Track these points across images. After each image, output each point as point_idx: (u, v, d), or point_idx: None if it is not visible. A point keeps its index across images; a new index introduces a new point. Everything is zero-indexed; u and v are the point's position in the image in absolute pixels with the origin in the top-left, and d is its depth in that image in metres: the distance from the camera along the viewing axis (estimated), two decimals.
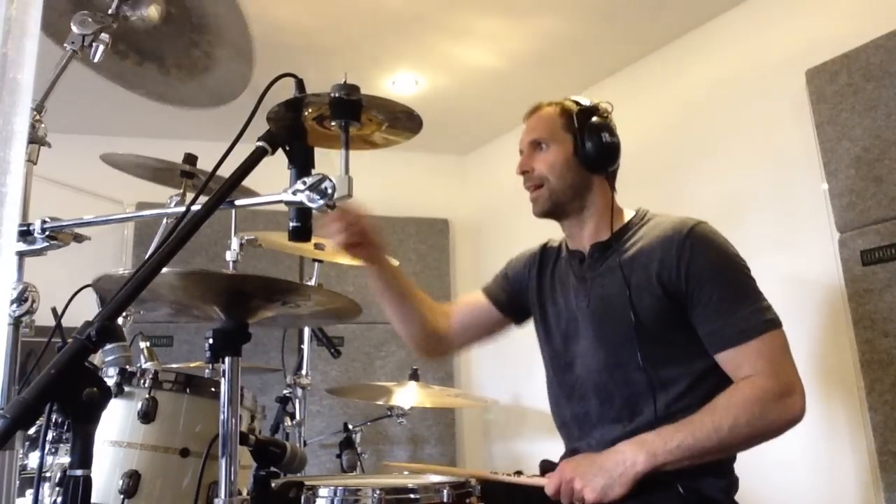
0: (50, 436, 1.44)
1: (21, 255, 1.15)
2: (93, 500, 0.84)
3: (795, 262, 2.36)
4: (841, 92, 2.21)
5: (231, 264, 1.99)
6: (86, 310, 1.16)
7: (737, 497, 1.38)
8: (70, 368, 0.78)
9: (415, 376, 2.56)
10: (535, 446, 3.31)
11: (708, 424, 1.27)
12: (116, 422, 1.41)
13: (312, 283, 2.38)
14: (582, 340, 1.50)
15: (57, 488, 1.38)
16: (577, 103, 1.54)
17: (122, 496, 1.33)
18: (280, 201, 1.01)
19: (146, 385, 1.43)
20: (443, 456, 3.59)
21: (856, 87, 2.17)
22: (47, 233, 1.13)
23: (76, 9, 1.32)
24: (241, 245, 2.01)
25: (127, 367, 1.50)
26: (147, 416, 1.40)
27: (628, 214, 1.56)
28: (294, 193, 0.98)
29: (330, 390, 2.76)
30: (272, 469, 1.28)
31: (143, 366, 1.74)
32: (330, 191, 0.97)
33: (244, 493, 1.22)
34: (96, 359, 1.58)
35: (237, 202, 1.04)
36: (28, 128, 0.95)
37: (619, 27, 2.87)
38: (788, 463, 2.26)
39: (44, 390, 0.76)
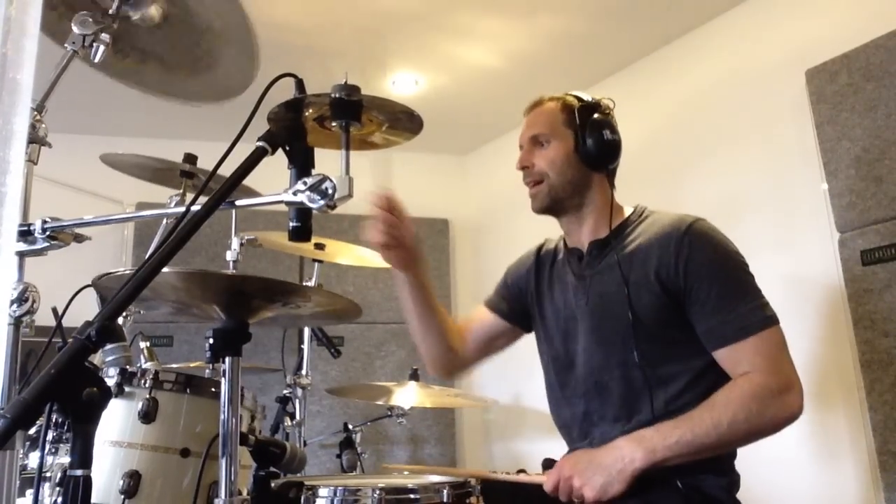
0: (50, 436, 1.44)
1: (21, 255, 1.15)
2: (93, 501, 0.84)
3: (795, 262, 2.36)
4: (841, 92, 2.21)
5: (231, 264, 1.99)
6: (86, 310, 1.15)
7: (737, 496, 1.38)
8: (70, 368, 0.78)
9: (415, 376, 2.56)
10: (535, 446, 3.31)
11: (707, 420, 1.27)
12: (117, 422, 1.41)
13: (312, 283, 2.38)
14: (581, 339, 1.49)
15: (57, 488, 1.38)
16: (579, 99, 1.54)
17: (122, 496, 1.33)
18: (281, 202, 1.01)
19: (147, 385, 1.43)
20: (443, 456, 3.59)
21: (856, 87, 2.17)
22: (48, 233, 1.13)
23: (77, 9, 1.32)
24: (242, 245, 2.01)
25: (127, 367, 1.50)
26: (147, 416, 1.40)
27: (627, 212, 1.55)
28: (295, 194, 0.98)
29: (330, 390, 2.76)
30: (272, 469, 1.28)
31: (144, 366, 1.74)
32: (330, 191, 0.97)
33: (244, 493, 1.22)
34: (97, 359, 1.58)
35: (237, 202, 1.04)
36: (28, 128, 0.95)
37: (620, 27, 2.87)
38: (788, 462, 2.26)
39: (44, 390, 0.76)
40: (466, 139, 3.95)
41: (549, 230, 1.66)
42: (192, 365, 2.52)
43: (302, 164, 1.03)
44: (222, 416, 1.18)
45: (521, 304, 1.68)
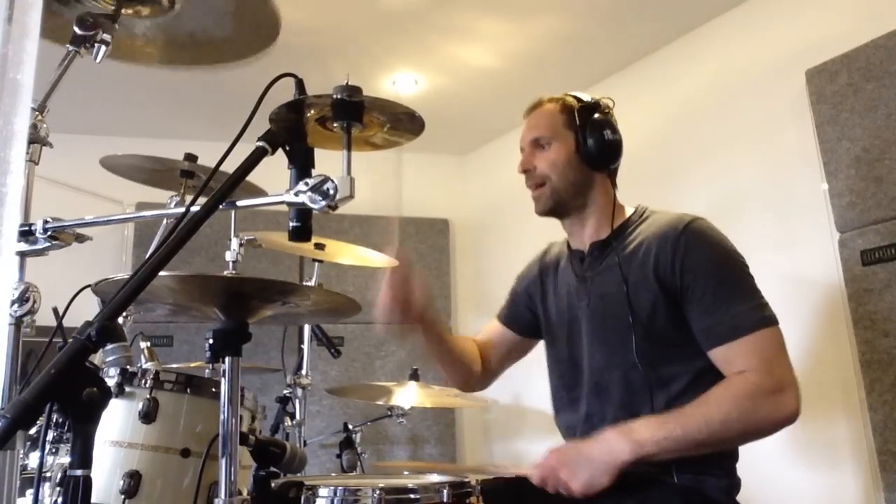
0: (50, 436, 1.44)
1: (22, 255, 1.15)
2: (93, 501, 0.84)
3: (795, 262, 2.37)
4: (841, 92, 2.21)
5: (231, 264, 1.98)
6: (87, 310, 1.15)
7: (737, 497, 1.38)
8: (70, 368, 0.78)
9: (415, 376, 2.56)
10: (535, 446, 3.31)
11: (698, 417, 1.25)
12: (117, 422, 1.41)
13: (312, 283, 2.38)
14: (583, 340, 1.49)
15: (57, 488, 1.38)
16: (579, 99, 1.53)
17: (122, 496, 1.33)
18: (282, 202, 1.01)
19: (147, 385, 1.43)
20: (443, 456, 3.59)
21: (856, 87, 2.17)
22: (49, 233, 1.13)
23: (77, 9, 1.32)
24: (241, 245, 2.01)
25: (128, 367, 1.50)
26: (148, 416, 1.40)
27: (628, 212, 1.55)
28: (296, 194, 0.98)
29: (330, 390, 2.76)
30: (272, 469, 1.28)
31: (144, 366, 1.74)
32: (332, 192, 0.97)
33: (244, 493, 1.22)
34: (97, 359, 1.58)
35: (238, 203, 1.04)
36: (29, 128, 0.95)
37: (619, 27, 2.87)
38: (788, 462, 2.26)
39: (44, 390, 0.76)
40: (466, 139, 3.95)
41: (549, 230, 1.66)
42: (192, 365, 2.51)
43: (302, 165, 1.03)
44: (222, 416, 1.17)
45: (531, 311, 1.69)
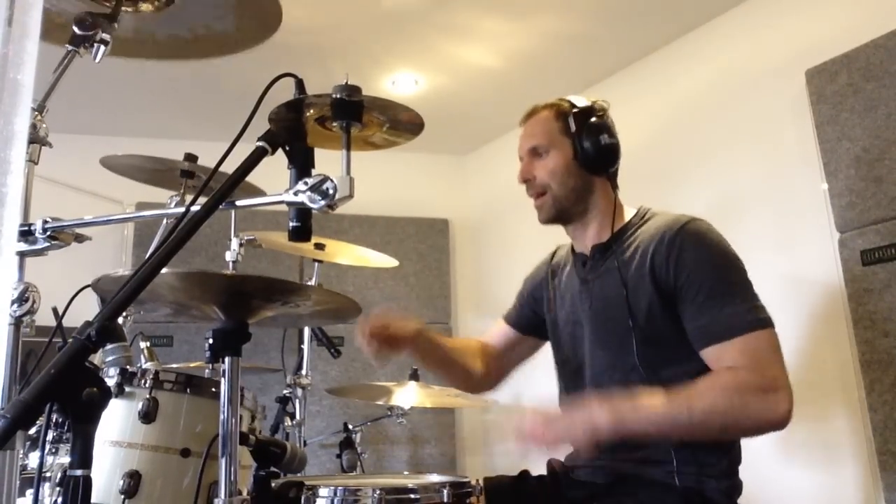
0: (50, 436, 1.44)
1: (22, 255, 1.16)
2: (93, 501, 0.84)
3: (795, 262, 2.37)
4: (841, 92, 2.21)
5: (231, 264, 1.99)
6: (86, 310, 1.16)
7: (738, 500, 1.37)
8: (70, 368, 0.78)
9: (415, 376, 2.56)
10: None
11: (683, 402, 1.24)
12: (117, 422, 1.41)
13: (312, 283, 2.38)
14: (586, 343, 1.49)
15: (57, 488, 1.38)
16: (574, 104, 1.52)
17: (122, 496, 1.33)
18: (281, 202, 1.01)
19: (147, 385, 1.43)
20: (443, 456, 3.59)
21: (856, 87, 2.17)
22: (48, 233, 1.13)
23: (77, 9, 1.32)
24: (241, 245, 2.01)
25: (127, 367, 1.50)
26: (148, 416, 1.40)
27: (630, 213, 1.55)
28: (296, 194, 0.98)
29: (330, 390, 2.76)
30: (272, 469, 1.28)
31: (144, 366, 1.74)
32: (331, 191, 0.97)
33: (244, 493, 1.22)
34: (97, 359, 1.58)
35: (238, 202, 1.04)
36: (29, 128, 0.95)
37: (619, 27, 2.87)
38: (788, 462, 2.26)
39: (44, 390, 0.76)
40: (466, 139, 3.95)
41: (548, 230, 1.66)
42: (192, 365, 2.51)
43: (302, 165, 1.03)
44: (222, 416, 1.18)
45: (538, 314, 1.69)
